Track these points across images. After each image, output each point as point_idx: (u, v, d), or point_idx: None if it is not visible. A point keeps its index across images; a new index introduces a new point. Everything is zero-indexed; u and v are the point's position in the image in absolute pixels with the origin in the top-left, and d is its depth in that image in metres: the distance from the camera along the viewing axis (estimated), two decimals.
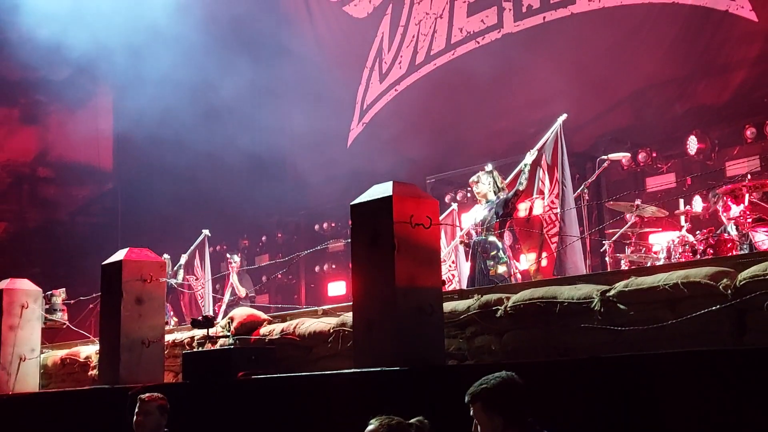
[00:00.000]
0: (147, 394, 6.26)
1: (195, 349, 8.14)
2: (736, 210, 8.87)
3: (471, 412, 3.90)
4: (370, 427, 3.82)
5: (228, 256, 14.48)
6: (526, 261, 9.89)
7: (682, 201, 10.32)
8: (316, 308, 7.93)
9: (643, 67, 13.25)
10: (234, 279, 13.42)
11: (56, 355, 10.23)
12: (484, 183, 9.20)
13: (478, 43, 15.72)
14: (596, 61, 13.58)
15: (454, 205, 11.94)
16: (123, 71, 17.64)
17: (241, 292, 13.27)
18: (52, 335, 10.91)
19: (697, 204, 10.82)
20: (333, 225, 17.55)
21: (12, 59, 18.49)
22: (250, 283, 13.93)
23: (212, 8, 16.54)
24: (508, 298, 5.97)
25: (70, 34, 15.79)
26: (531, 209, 9.63)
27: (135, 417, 6.16)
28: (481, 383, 3.88)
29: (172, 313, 13.15)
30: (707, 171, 11.52)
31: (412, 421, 3.86)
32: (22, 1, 15.95)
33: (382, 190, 5.96)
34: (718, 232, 9.03)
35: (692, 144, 12.16)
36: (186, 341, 8.56)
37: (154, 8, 15.96)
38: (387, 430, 3.78)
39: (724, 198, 9.03)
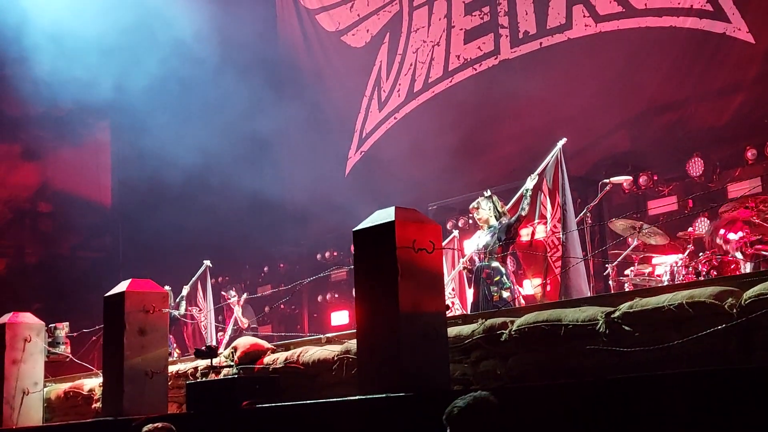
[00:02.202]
0: (149, 425, 6.19)
1: (199, 380, 8.10)
2: (734, 236, 8.89)
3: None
4: None
5: (223, 293, 14.45)
6: (531, 286, 9.86)
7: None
8: (319, 336, 7.90)
9: (642, 91, 13.30)
10: (237, 312, 13.38)
11: (59, 388, 10.19)
12: (485, 209, 9.19)
13: (476, 69, 15.80)
14: (595, 86, 13.63)
15: (456, 232, 11.93)
16: (122, 106, 17.72)
17: (244, 323, 13.23)
18: (55, 368, 10.86)
19: (703, 225, 10.84)
20: (335, 254, 17.51)
21: (13, 95, 18.59)
22: (252, 314, 13.91)
23: (208, 44, 16.60)
24: (512, 322, 5.95)
25: (69, 69, 15.88)
26: (533, 234, 9.62)
27: None
28: (455, 403, 3.85)
29: (175, 345, 13.11)
30: (709, 193, 11.55)
31: None
32: (23, 37, 16.06)
33: (385, 215, 5.96)
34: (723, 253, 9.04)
35: (694, 166, 12.19)
36: (189, 372, 8.53)
37: (150, 45, 16.08)
38: None
39: (721, 231, 9.05)
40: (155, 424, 6.17)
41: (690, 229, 10.35)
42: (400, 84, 17.13)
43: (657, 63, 13.22)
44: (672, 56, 13.06)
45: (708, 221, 10.63)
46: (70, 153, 20.62)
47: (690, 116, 12.96)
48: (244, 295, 13.81)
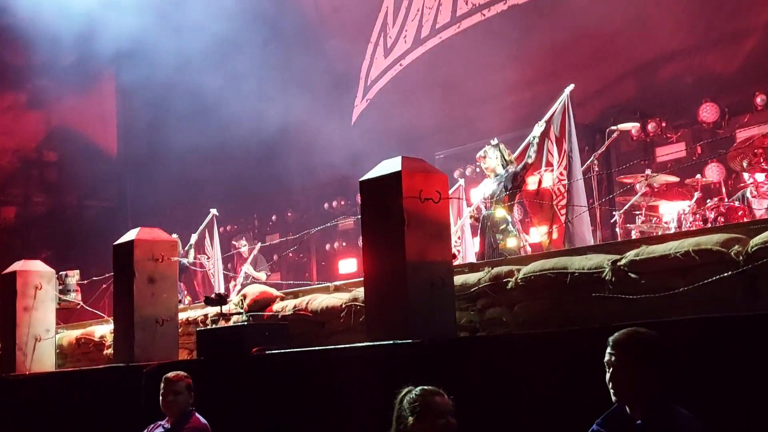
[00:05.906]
0: (173, 374, 6.24)
1: (209, 327, 8.19)
2: (761, 176, 8.88)
3: (612, 358, 3.75)
4: None
5: (234, 242, 14.48)
6: (537, 234, 9.87)
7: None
8: (328, 284, 7.96)
9: (652, 37, 13.14)
10: (248, 268, 13.40)
11: (71, 335, 10.31)
12: (491, 157, 9.16)
13: (484, 15, 15.61)
14: (604, 32, 13.46)
15: (461, 181, 11.89)
16: (127, 54, 17.60)
17: (261, 276, 13.26)
18: (66, 315, 10.99)
19: (711, 172, 10.82)
20: (342, 203, 17.56)
21: (18, 44, 18.50)
22: (265, 264, 13.95)
23: None
24: (518, 270, 5.98)
25: (74, 18, 15.79)
26: (540, 182, 9.59)
27: (163, 397, 6.17)
28: (621, 331, 3.75)
29: (185, 292, 13.22)
30: (718, 139, 11.49)
31: None
32: None
33: (391, 165, 5.96)
34: (733, 198, 9.03)
35: (705, 112, 12.11)
36: (200, 319, 8.62)
37: None
38: None
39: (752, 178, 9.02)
40: (176, 372, 6.25)
41: (698, 176, 10.31)
42: (406, 30, 16.95)
43: (667, 8, 13.05)
44: (684, 1, 12.89)
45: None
46: (75, 102, 20.56)
47: (700, 62, 12.84)
48: (258, 245, 13.86)
